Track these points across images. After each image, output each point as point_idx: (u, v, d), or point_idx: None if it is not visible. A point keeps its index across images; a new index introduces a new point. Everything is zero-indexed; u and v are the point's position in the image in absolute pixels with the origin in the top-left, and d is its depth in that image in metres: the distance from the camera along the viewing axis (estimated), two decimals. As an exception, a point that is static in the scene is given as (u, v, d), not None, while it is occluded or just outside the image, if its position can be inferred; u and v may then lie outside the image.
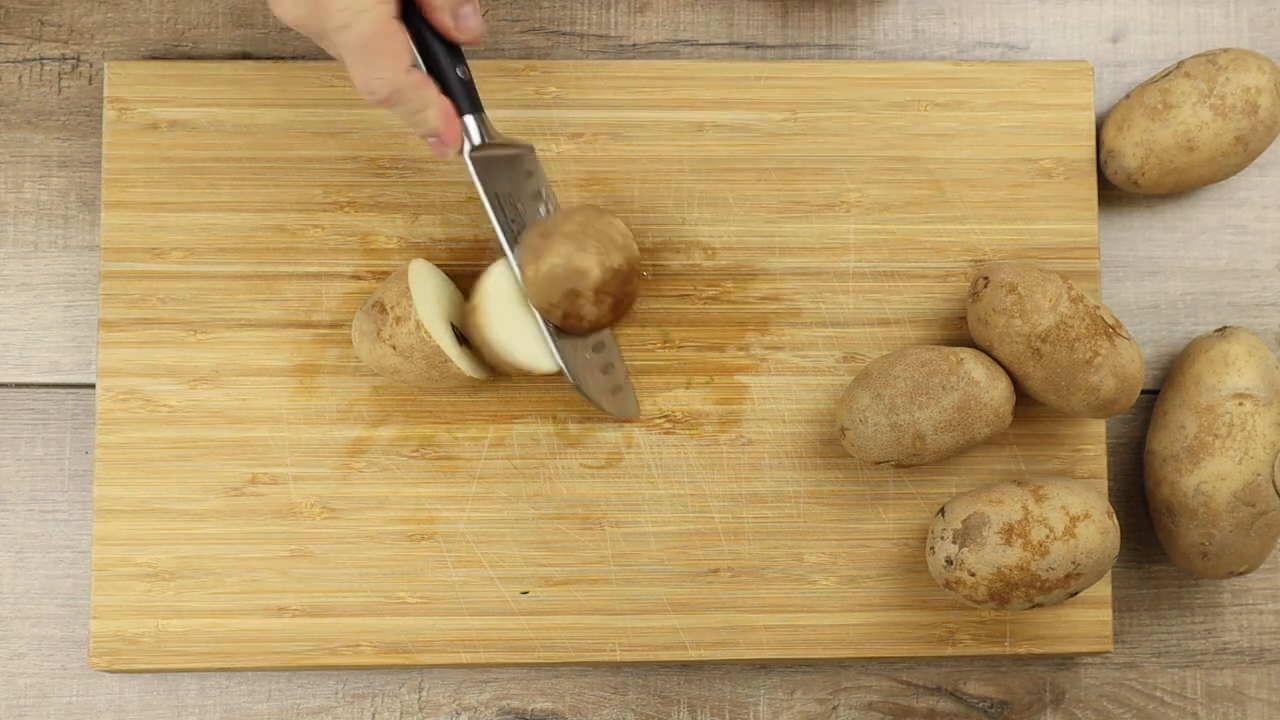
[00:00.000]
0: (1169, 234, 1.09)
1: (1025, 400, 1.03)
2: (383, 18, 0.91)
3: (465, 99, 0.97)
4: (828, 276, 1.05)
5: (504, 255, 0.99)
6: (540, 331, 0.99)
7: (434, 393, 1.02)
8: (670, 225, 1.05)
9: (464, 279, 1.03)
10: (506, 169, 0.99)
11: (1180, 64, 1.05)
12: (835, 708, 1.05)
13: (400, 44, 0.92)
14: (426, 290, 0.99)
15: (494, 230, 1.00)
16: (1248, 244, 1.09)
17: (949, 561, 0.98)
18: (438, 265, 1.03)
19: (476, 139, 0.98)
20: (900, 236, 1.05)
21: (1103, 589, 1.03)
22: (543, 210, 1.01)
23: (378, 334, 0.98)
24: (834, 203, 1.05)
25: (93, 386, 1.05)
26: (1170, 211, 1.09)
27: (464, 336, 1.01)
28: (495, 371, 1.03)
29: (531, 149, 1.01)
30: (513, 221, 0.99)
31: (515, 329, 0.99)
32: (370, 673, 1.05)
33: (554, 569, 1.03)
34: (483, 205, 0.98)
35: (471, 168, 0.98)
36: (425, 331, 0.97)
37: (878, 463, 1.00)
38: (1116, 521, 0.99)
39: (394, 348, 0.98)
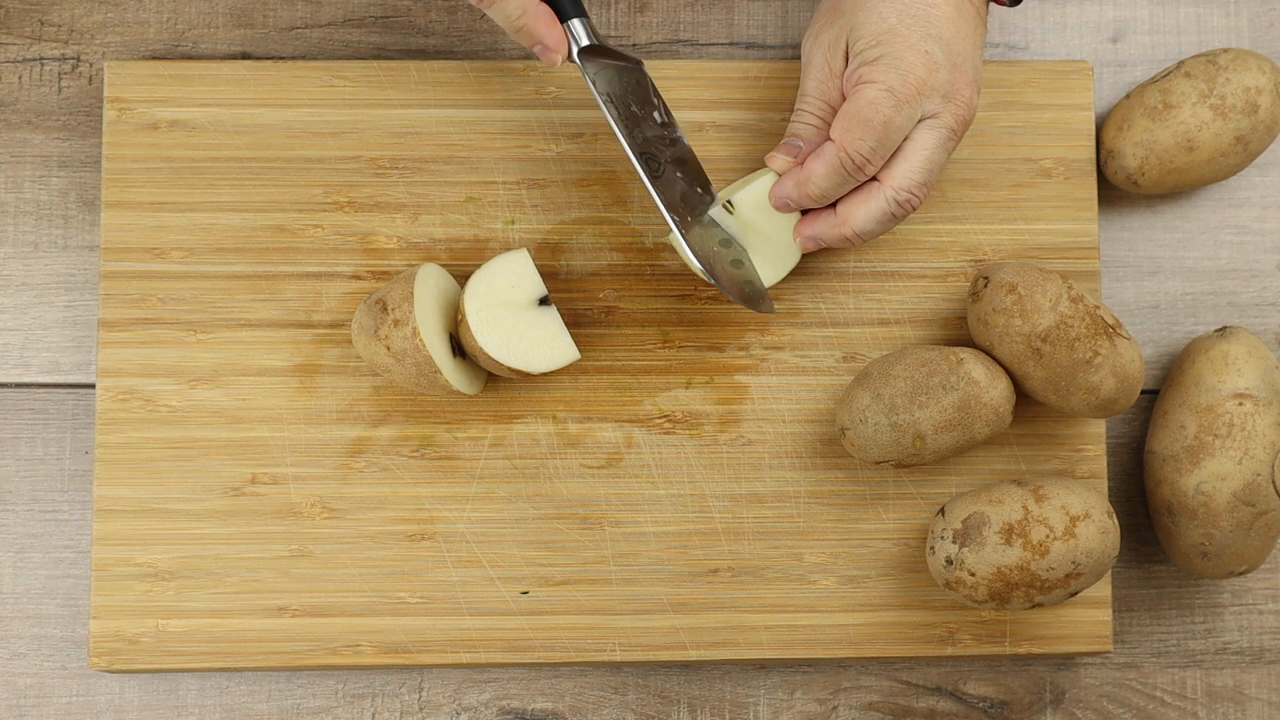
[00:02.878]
0: (1169, 234, 1.09)
1: (1025, 400, 1.03)
2: None
3: (568, 3, 0.97)
4: (828, 276, 1.05)
5: (629, 160, 0.99)
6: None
7: (433, 393, 1.02)
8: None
9: (465, 280, 1.03)
10: (617, 74, 0.99)
11: (1180, 64, 1.05)
12: (835, 708, 1.05)
13: None
14: (431, 297, 0.99)
15: (615, 133, 0.98)
16: (1248, 244, 1.09)
17: (949, 561, 0.98)
18: (439, 266, 1.03)
19: (584, 41, 0.98)
20: (900, 236, 1.05)
21: (1103, 589, 1.03)
22: (657, 117, 1.00)
23: (375, 331, 0.98)
24: (834, 203, 1.05)
25: (93, 386, 1.05)
26: (1170, 211, 1.09)
27: (462, 347, 1.01)
28: (491, 378, 1.03)
29: (640, 63, 1.00)
30: (629, 124, 0.98)
31: (503, 334, 0.99)
32: (370, 673, 1.05)
33: (554, 569, 1.03)
34: (601, 108, 0.98)
35: (582, 67, 0.98)
36: (420, 340, 0.97)
37: (878, 463, 1.00)
38: (1116, 521, 0.99)
39: (388, 348, 0.98)
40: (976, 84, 0.97)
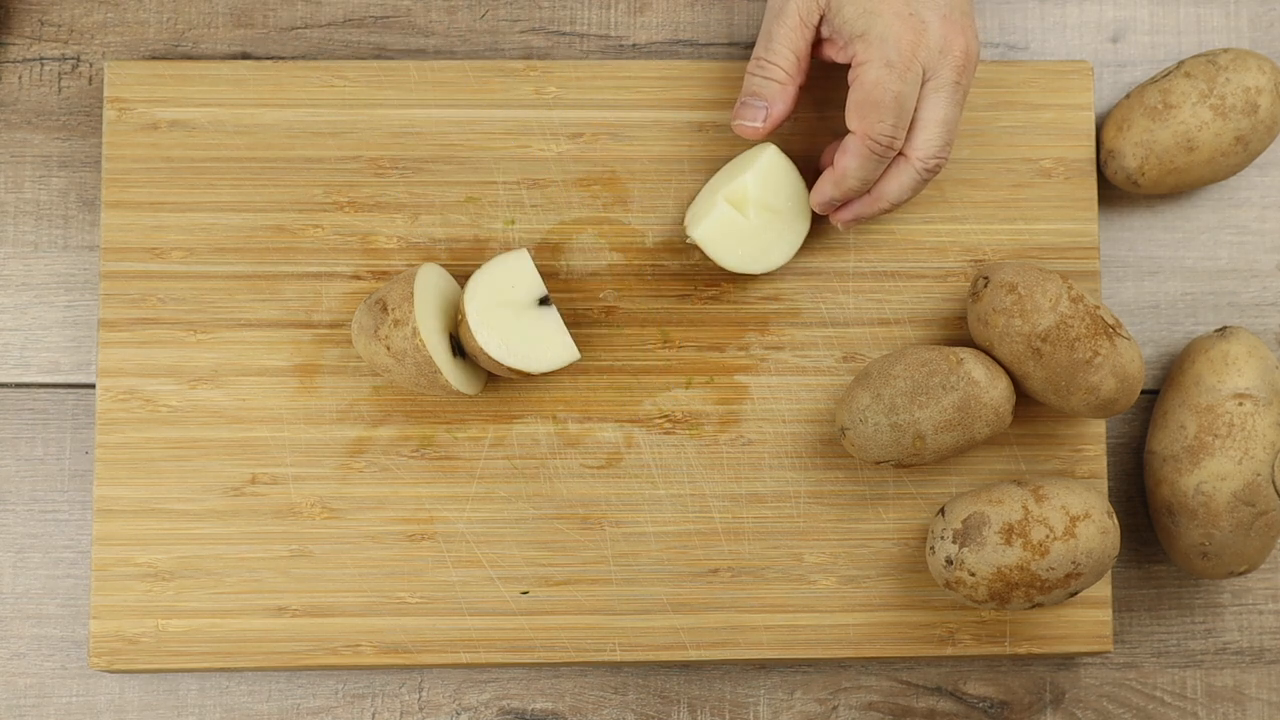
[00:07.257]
0: (1169, 234, 1.09)
1: (1025, 400, 1.03)
2: None
3: None
4: (828, 276, 1.05)
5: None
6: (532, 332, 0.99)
7: (433, 393, 1.02)
8: (670, 225, 1.05)
9: (465, 280, 1.03)
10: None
11: (1180, 64, 1.05)
12: (835, 708, 1.05)
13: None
14: (431, 297, 0.99)
15: None
16: (1248, 244, 1.09)
17: (949, 561, 0.98)
18: (439, 266, 1.03)
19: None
20: (900, 236, 1.05)
21: (1103, 589, 1.03)
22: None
23: (375, 331, 0.98)
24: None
25: (93, 386, 1.05)
26: (1170, 211, 1.09)
27: (462, 347, 1.01)
28: (491, 378, 1.03)
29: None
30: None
31: (503, 334, 0.99)
32: (370, 673, 1.05)
33: (554, 569, 1.03)
34: None
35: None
36: (420, 340, 0.97)
37: (878, 463, 1.00)
38: (1116, 521, 0.99)
39: (388, 348, 0.98)
40: (969, 27, 0.98)
